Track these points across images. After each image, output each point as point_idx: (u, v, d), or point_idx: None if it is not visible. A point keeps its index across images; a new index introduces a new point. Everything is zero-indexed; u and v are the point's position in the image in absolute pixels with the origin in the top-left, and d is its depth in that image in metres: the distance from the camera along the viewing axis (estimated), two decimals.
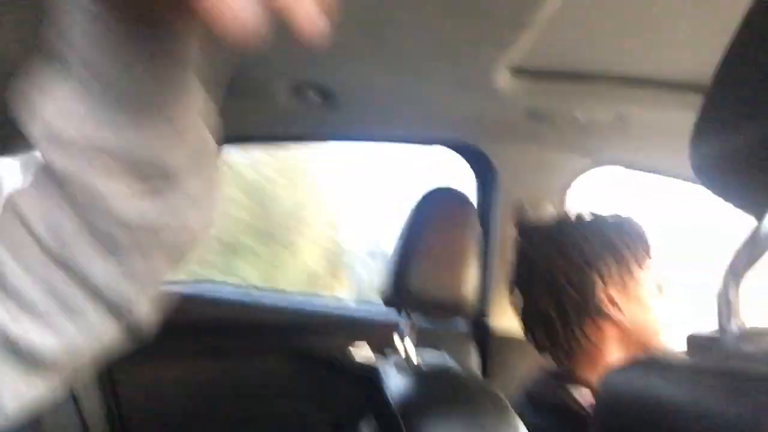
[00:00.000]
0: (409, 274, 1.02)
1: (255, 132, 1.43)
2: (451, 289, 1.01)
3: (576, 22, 1.00)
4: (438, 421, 0.86)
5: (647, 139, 1.37)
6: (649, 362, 0.49)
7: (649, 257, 1.04)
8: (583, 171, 1.48)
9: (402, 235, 1.07)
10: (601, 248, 1.02)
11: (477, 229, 1.06)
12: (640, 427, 0.46)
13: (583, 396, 1.00)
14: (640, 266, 1.03)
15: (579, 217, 1.09)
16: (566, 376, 1.05)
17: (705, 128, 0.42)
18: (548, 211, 1.47)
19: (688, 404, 0.41)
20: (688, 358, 0.47)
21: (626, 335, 1.02)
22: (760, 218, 0.41)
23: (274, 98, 1.28)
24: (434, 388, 0.95)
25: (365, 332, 1.50)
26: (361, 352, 1.53)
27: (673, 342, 1.06)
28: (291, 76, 1.20)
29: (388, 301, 1.09)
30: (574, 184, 1.49)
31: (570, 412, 0.98)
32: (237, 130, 1.38)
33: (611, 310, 1.00)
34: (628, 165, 1.49)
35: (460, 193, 1.11)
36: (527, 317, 1.10)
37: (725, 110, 0.40)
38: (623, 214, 1.09)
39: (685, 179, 1.43)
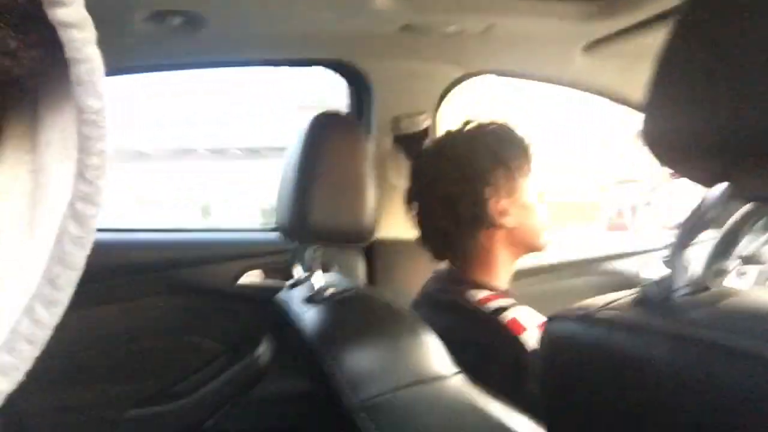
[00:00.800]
0: (309, 204, 1.01)
1: (115, 63, 1.31)
2: (354, 216, 1.02)
3: None
4: (357, 347, 0.90)
5: (516, 47, 1.42)
6: (595, 315, 0.52)
7: (531, 164, 1.12)
8: (456, 81, 1.52)
9: (293, 164, 1.05)
10: (489, 160, 1.08)
11: (369, 152, 1.07)
12: (582, 376, 0.51)
13: (476, 295, 1.08)
14: (524, 174, 1.10)
15: (465, 129, 1.13)
16: (461, 278, 1.13)
17: (657, 103, 0.45)
18: (424, 123, 1.51)
19: (636, 358, 0.46)
20: (635, 312, 0.50)
21: (515, 239, 1.11)
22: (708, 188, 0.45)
23: (133, 25, 1.17)
24: (346, 315, 0.98)
25: (257, 260, 1.50)
26: (254, 280, 1.53)
27: (547, 241, 1.17)
28: (151, 2, 1.10)
29: (288, 233, 1.09)
30: (448, 95, 1.53)
31: (464, 309, 1.07)
32: None
33: (503, 220, 1.08)
34: (500, 72, 1.55)
35: (347, 116, 1.10)
36: (424, 229, 1.15)
37: (675, 87, 0.43)
38: (502, 122, 1.15)
39: (551, 83, 1.52)
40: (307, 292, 1.08)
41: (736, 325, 0.43)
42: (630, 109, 1.62)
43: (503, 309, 1.02)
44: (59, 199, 0.33)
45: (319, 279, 1.07)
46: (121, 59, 1.29)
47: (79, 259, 0.32)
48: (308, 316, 1.01)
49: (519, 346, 0.96)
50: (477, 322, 1.03)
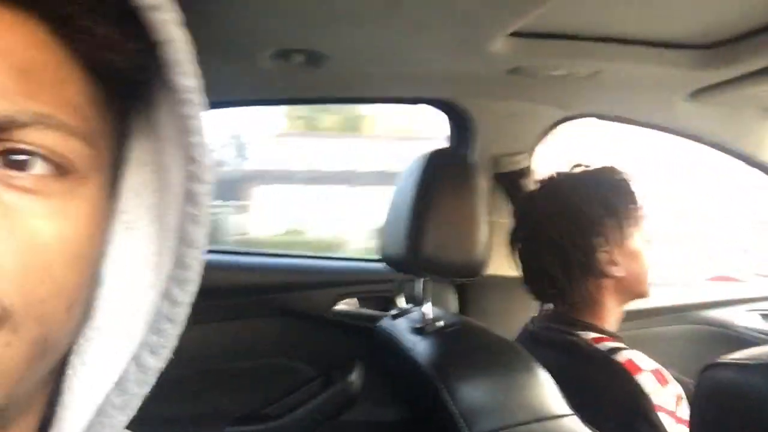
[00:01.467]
0: (422, 238, 1.05)
1: (240, 95, 1.40)
2: (466, 252, 1.05)
3: None
4: (472, 379, 0.92)
5: (620, 91, 1.43)
6: (749, 361, 0.54)
7: (640, 211, 1.13)
8: (557, 122, 1.55)
9: (406, 197, 1.09)
10: (600, 208, 1.10)
11: (483, 189, 1.10)
12: (739, 419, 0.52)
13: (588, 335, 1.09)
14: (633, 221, 1.11)
15: (575, 173, 1.15)
16: (571, 319, 1.13)
17: None
18: (524, 162, 1.54)
19: None
20: None
21: (623, 286, 1.11)
22: None
23: (258, 62, 1.25)
24: (461, 347, 1.01)
25: (355, 287, 1.54)
26: (349, 308, 1.58)
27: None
28: (277, 41, 1.18)
29: (397, 264, 1.12)
30: (548, 136, 1.56)
31: (578, 347, 1.07)
32: (221, 94, 1.34)
33: (612, 270, 1.09)
34: (600, 116, 1.57)
35: (460, 154, 1.14)
36: (530, 273, 1.17)
37: None
38: (612, 167, 1.17)
39: (652, 128, 1.53)
40: (415, 323, 1.12)
41: None
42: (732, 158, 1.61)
43: (618, 350, 1.02)
44: (177, 185, 0.35)
45: (429, 310, 1.10)
46: (247, 92, 1.37)
47: (199, 236, 0.33)
48: (421, 346, 1.03)
49: (636, 387, 0.96)
50: (592, 361, 1.04)
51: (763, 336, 1.70)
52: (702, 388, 0.57)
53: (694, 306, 1.73)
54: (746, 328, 1.72)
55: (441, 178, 1.09)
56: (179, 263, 0.34)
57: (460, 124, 1.54)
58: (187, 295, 0.34)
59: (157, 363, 0.35)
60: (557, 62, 1.31)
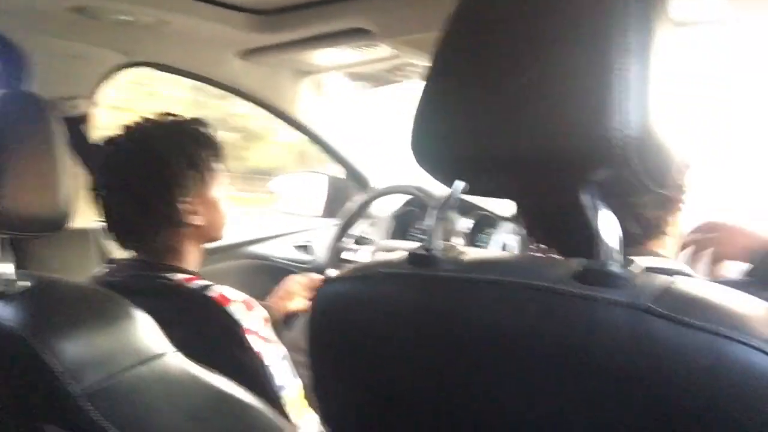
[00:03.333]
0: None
1: None
2: (50, 204, 0.97)
3: None
4: (75, 334, 0.88)
5: (181, 44, 1.49)
6: (370, 272, 0.63)
7: (221, 160, 1.22)
8: (118, 68, 1.51)
9: None
10: (182, 159, 1.14)
11: (62, 132, 1.02)
12: (348, 324, 0.62)
13: (176, 277, 1.14)
14: (215, 173, 1.20)
15: (159, 123, 1.17)
16: (155, 265, 1.17)
17: (420, 120, 0.57)
18: (83, 108, 1.46)
19: (416, 304, 0.57)
20: (406, 267, 0.60)
21: (202, 233, 1.20)
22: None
23: None
24: (56, 304, 0.94)
25: None
26: None
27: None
28: None
29: None
30: (110, 80, 1.51)
31: (173, 289, 1.12)
32: None
33: (191, 219, 1.16)
34: (161, 67, 1.59)
35: (33, 95, 1.02)
36: (113, 221, 1.15)
37: (431, 107, 0.59)
38: (196, 118, 1.22)
39: (207, 83, 1.64)
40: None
41: (472, 265, 0.58)
42: None
43: (209, 286, 1.11)
44: None
45: (11, 270, 0.98)
46: None
47: None
48: (7, 312, 0.93)
49: (229, 317, 1.07)
50: (188, 300, 1.10)
51: (294, 263, 2.04)
52: (317, 304, 0.67)
53: (245, 243, 1.96)
54: (283, 258, 2.04)
55: (12, 123, 0.97)
56: None
57: (14, 62, 1.36)
58: None
59: None
60: (122, 6, 1.29)
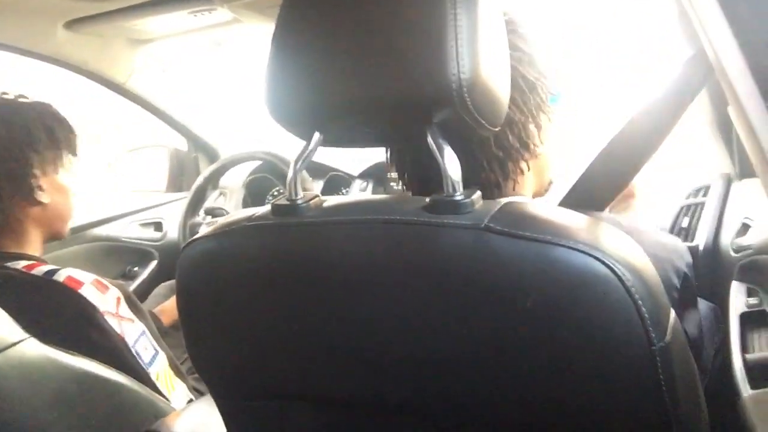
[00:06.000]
0: None
1: None
2: None
3: None
4: None
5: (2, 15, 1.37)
6: (234, 226, 0.62)
7: (72, 144, 1.17)
8: None
9: None
10: (42, 133, 1.11)
11: None
12: (223, 280, 0.62)
13: (18, 265, 1.08)
14: (63, 154, 1.16)
15: (8, 101, 1.12)
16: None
17: (273, 79, 0.58)
18: None
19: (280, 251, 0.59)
20: (270, 218, 0.61)
21: (46, 217, 1.15)
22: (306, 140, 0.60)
23: None
24: None
25: None
26: None
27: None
28: None
29: None
30: None
31: (14, 278, 1.06)
32: None
33: (39, 195, 1.11)
34: None
35: None
36: None
37: (283, 65, 0.60)
38: (48, 102, 1.17)
39: (33, 57, 1.53)
40: None
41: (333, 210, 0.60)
42: None
43: (55, 271, 1.06)
44: None
45: None
46: None
47: None
48: None
49: (81, 299, 1.03)
50: (32, 288, 1.04)
51: (145, 242, 1.97)
52: (183, 263, 0.66)
53: (89, 225, 1.85)
54: (132, 238, 1.96)
55: None
56: None
57: None
58: None
59: None
60: None
